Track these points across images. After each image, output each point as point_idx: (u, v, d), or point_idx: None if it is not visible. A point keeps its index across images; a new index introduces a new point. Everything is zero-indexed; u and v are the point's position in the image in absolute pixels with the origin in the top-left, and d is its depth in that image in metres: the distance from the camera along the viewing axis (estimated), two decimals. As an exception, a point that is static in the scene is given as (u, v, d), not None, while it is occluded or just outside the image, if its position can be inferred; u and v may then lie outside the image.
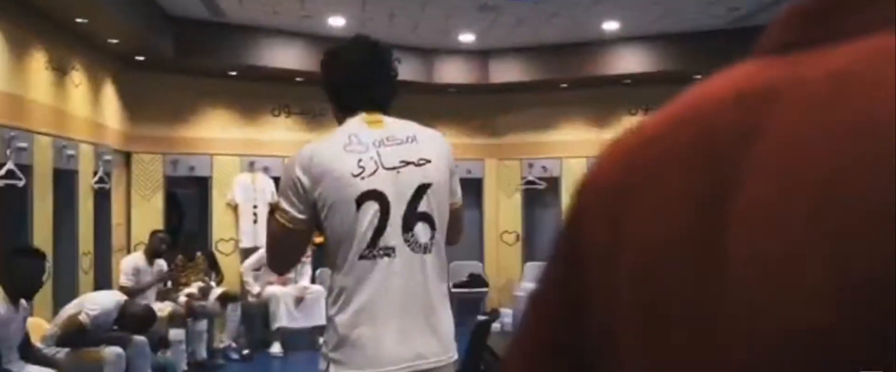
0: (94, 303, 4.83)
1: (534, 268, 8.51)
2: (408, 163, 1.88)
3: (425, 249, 1.87)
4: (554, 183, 8.57)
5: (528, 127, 8.68)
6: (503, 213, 8.84)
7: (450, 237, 1.96)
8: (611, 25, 7.02)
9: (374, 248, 1.83)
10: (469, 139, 8.88)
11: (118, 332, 4.82)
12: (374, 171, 1.85)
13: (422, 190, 1.87)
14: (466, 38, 7.59)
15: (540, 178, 8.59)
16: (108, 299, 4.95)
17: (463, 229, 2.07)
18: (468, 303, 7.86)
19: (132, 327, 4.88)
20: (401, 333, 1.83)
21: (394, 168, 1.87)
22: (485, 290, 8.31)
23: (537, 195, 8.79)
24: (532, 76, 8.07)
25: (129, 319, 4.89)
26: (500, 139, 8.84)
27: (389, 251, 1.84)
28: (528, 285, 8.32)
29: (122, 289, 5.83)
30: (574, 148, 8.48)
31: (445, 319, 1.91)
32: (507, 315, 3.37)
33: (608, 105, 8.37)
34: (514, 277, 8.57)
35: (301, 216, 1.88)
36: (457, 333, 1.98)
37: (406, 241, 1.85)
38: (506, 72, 8.20)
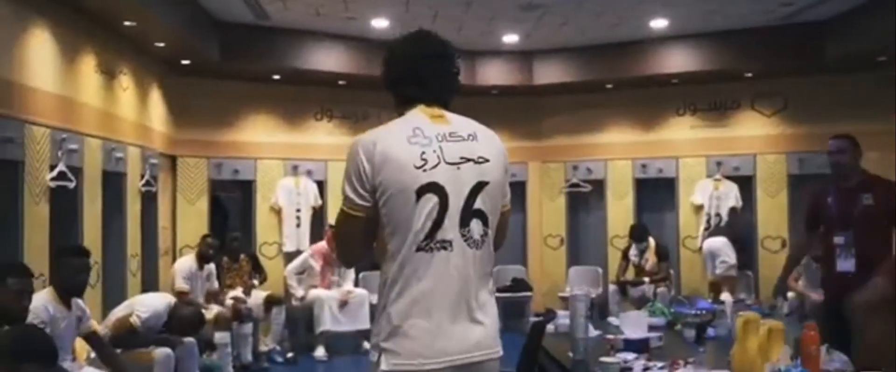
0: (145, 305, 4.84)
1: (578, 272, 8.38)
2: (468, 160, 1.90)
3: (478, 246, 1.90)
4: (599, 185, 8.42)
5: (573, 129, 8.55)
6: (547, 216, 8.72)
7: (496, 241, 1.98)
8: (659, 23, 6.87)
9: (432, 240, 1.85)
10: (512, 142, 8.76)
11: (167, 333, 4.82)
12: (436, 165, 1.87)
13: (479, 187, 1.90)
14: (510, 38, 7.50)
15: (584, 181, 8.45)
16: (159, 302, 4.96)
17: (507, 234, 2.07)
18: (512, 307, 7.76)
19: (181, 329, 4.88)
20: (454, 325, 1.86)
21: (455, 164, 1.89)
22: (529, 294, 8.19)
23: (582, 198, 8.65)
24: (576, 77, 7.94)
25: (179, 321, 4.89)
26: (543, 141, 8.72)
27: (446, 245, 1.86)
28: (572, 290, 8.19)
29: (180, 292, 5.86)
30: (619, 150, 8.33)
31: (493, 315, 1.95)
32: (563, 317, 3.28)
33: (655, 106, 8.20)
34: (558, 280, 8.44)
35: (363, 203, 1.88)
36: (503, 338, 2.00)
37: (463, 235, 1.88)
38: (550, 73, 8.08)
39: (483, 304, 1.90)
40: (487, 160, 1.93)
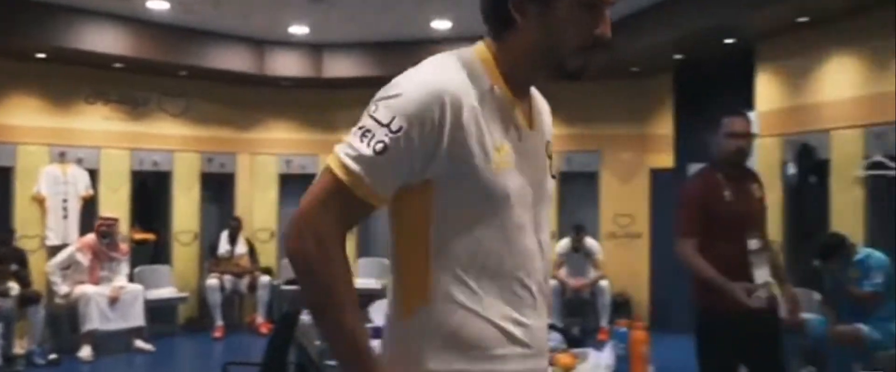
0: None
1: (368, 264, 8.50)
2: None
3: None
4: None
5: (364, 123, 8.65)
6: (337, 209, 8.75)
7: None
8: (442, 24, 7.14)
9: None
10: (304, 134, 8.75)
11: None
12: None
13: None
14: (300, 30, 7.45)
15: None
16: None
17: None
18: (301, 301, 7.71)
19: None
20: None
21: None
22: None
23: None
24: (367, 72, 8.04)
25: None
26: (336, 134, 8.74)
27: None
28: (361, 281, 8.27)
29: None
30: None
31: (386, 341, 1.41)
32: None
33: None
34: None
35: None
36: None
37: None
38: (341, 66, 8.13)
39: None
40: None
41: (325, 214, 1.24)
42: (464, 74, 1.29)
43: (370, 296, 7.84)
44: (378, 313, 3.65)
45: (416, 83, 1.26)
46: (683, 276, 3.42)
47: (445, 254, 1.29)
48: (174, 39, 7.30)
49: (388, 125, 1.23)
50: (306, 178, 8.66)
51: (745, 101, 6.17)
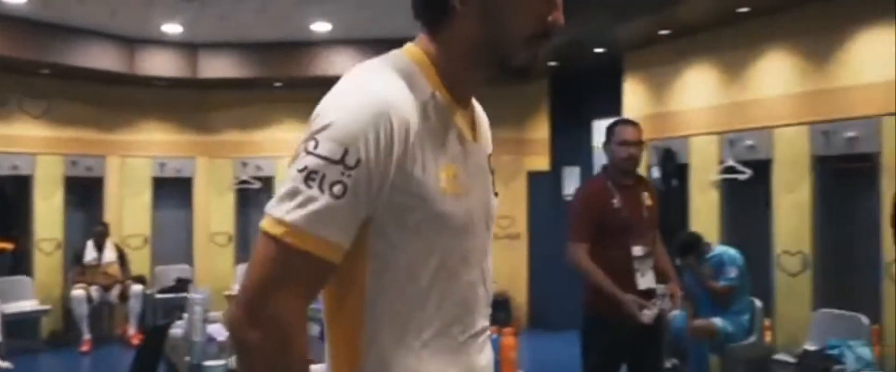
0: None
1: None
2: None
3: None
4: (268, 183, 8.44)
5: (242, 125, 8.45)
6: (215, 213, 8.51)
7: None
8: (322, 27, 7.07)
9: None
10: (179, 136, 8.44)
11: None
12: None
13: None
14: (172, 28, 7.17)
15: (254, 178, 8.41)
16: None
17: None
18: (176, 309, 7.43)
19: None
20: None
21: None
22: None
23: (252, 195, 8.59)
24: (244, 73, 7.85)
25: None
26: (212, 136, 8.50)
27: None
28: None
29: None
30: (289, 148, 8.37)
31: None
32: (216, 319, 3.20)
33: (323, 106, 8.43)
34: (227, 279, 8.28)
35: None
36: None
37: None
38: (216, 67, 7.89)
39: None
40: None
41: (285, 292, 0.98)
42: (402, 84, 1.07)
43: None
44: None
45: (356, 102, 1.02)
46: (562, 276, 3.56)
47: (383, 305, 1.08)
48: (34, 36, 6.86)
49: (342, 161, 0.98)
50: (182, 182, 8.38)
51: (615, 107, 6.47)
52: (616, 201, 3.33)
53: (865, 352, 4.28)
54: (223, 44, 7.73)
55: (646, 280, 3.30)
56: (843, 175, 4.82)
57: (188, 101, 8.34)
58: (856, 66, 4.64)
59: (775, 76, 5.18)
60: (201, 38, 7.60)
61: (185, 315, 3.30)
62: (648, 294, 3.24)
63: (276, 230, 0.99)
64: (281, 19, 6.79)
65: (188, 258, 8.36)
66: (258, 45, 7.67)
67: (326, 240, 0.99)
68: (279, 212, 0.99)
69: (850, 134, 4.57)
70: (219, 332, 3.48)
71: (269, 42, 7.59)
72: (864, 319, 4.44)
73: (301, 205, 0.98)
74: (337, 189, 0.98)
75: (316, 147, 1.00)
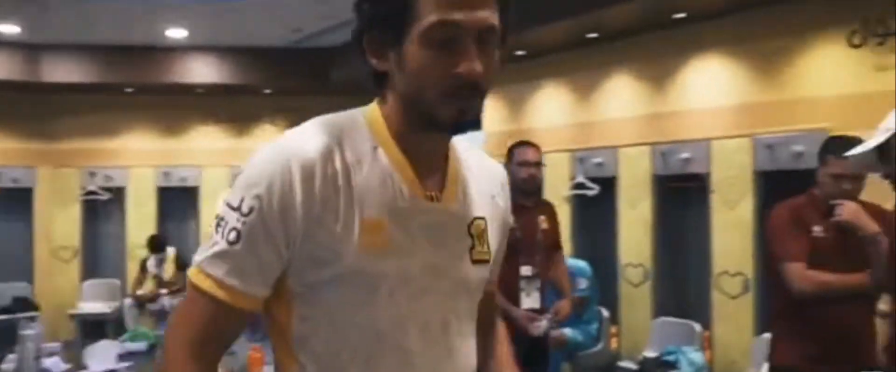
0: None
1: (94, 286, 7.83)
2: None
3: None
4: (119, 193, 8.02)
5: (90, 133, 7.98)
6: (59, 226, 7.97)
7: None
8: (177, 33, 6.81)
9: None
10: (18, 143, 7.86)
11: None
12: None
13: None
14: (10, 29, 6.67)
15: (103, 188, 7.96)
16: None
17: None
18: (12, 332, 6.88)
19: None
20: None
21: None
22: (35, 314, 7.36)
23: (100, 206, 8.12)
24: (92, 78, 7.41)
25: None
26: (56, 144, 7.97)
27: None
28: (88, 305, 7.61)
29: None
30: (142, 157, 8.04)
31: None
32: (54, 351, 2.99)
33: (180, 113, 8.13)
34: (71, 296, 7.78)
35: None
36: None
37: None
38: (61, 71, 7.40)
39: None
40: None
41: (180, 326, 1.07)
42: (331, 137, 1.07)
43: (99, 322, 7.35)
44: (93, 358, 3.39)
45: (265, 154, 1.07)
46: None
47: (308, 354, 1.09)
48: None
49: (238, 209, 1.04)
50: (21, 193, 7.79)
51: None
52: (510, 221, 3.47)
53: (698, 357, 4.63)
54: (69, 46, 7.27)
55: (530, 300, 3.36)
56: (678, 193, 5.19)
57: (29, 107, 7.78)
58: (690, 92, 5.02)
59: (621, 99, 5.51)
60: (44, 40, 7.11)
61: (18, 348, 3.07)
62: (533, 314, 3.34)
63: (191, 271, 1.08)
64: (134, 23, 6.48)
65: (28, 275, 7.78)
66: (108, 48, 7.27)
67: (221, 281, 1.05)
68: (198, 255, 1.08)
69: (685, 155, 4.94)
70: (56, 364, 3.27)
71: (118, 46, 7.21)
72: (697, 327, 4.80)
73: (209, 248, 1.07)
74: (232, 235, 1.05)
75: (229, 196, 1.07)
